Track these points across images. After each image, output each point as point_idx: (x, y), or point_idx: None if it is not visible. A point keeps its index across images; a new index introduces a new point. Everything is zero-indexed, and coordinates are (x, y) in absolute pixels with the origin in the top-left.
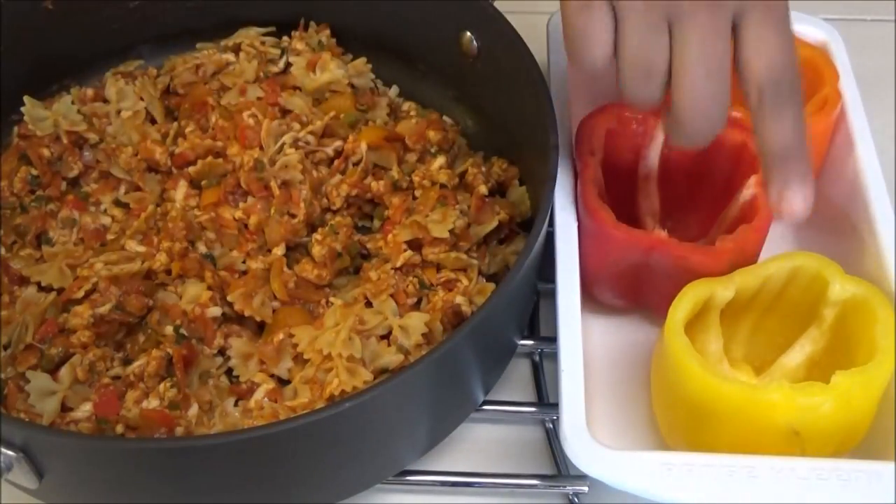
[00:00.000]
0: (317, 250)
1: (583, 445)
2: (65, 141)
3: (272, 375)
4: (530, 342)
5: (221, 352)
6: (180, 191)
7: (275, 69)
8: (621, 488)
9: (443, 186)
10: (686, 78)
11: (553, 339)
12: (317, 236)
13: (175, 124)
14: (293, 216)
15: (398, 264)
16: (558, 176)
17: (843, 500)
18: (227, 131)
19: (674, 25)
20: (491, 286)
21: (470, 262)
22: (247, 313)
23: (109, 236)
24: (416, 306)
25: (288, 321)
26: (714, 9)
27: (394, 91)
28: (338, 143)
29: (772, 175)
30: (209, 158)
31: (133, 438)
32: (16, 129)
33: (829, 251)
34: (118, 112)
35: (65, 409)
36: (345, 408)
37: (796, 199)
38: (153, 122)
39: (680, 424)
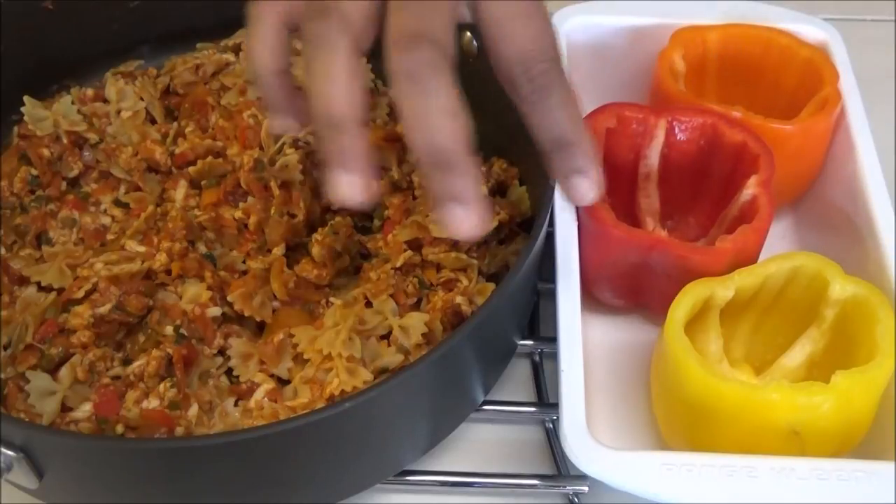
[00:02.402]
0: (317, 250)
1: (583, 445)
2: (65, 141)
3: (272, 375)
4: (530, 342)
5: (221, 352)
6: (180, 191)
7: None
8: (621, 488)
9: None
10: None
11: (553, 339)
12: (317, 236)
13: (175, 124)
14: (293, 216)
15: (398, 264)
16: None
17: (843, 500)
18: (227, 131)
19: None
20: (491, 286)
21: (470, 262)
22: (247, 313)
23: (109, 236)
24: (416, 306)
25: (288, 321)
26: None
27: None
28: None
29: (556, 165)
30: (209, 158)
31: (133, 438)
32: (16, 129)
33: (829, 251)
34: (118, 112)
35: (65, 409)
36: (345, 408)
37: (583, 187)
38: (153, 122)
39: (680, 424)
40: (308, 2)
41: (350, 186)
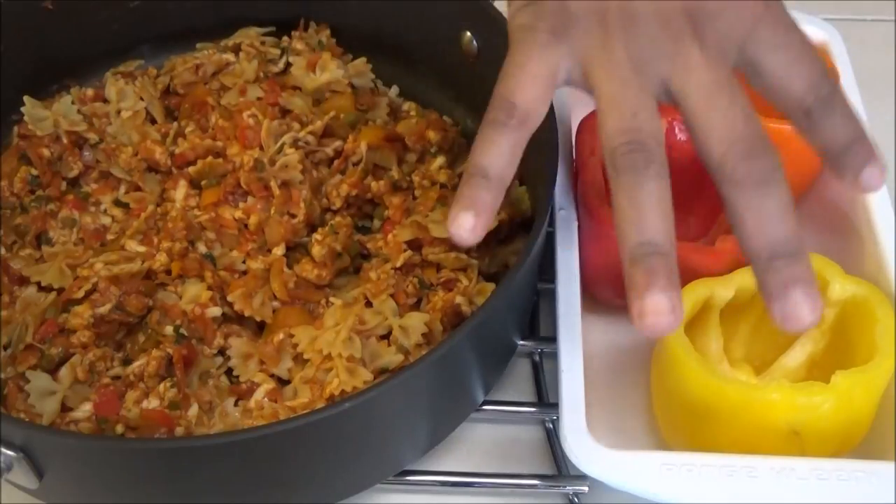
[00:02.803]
0: (317, 250)
1: (583, 445)
2: (65, 141)
3: (272, 375)
4: (530, 342)
5: (221, 352)
6: (180, 191)
7: (275, 69)
8: (621, 488)
9: (443, 186)
10: (717, 148)
11: (553, 339)
12: (317, 236)
13: (175, 124)
14: (293, 216)
15: (398, 264)
16: (558, 176)
17: (843, 500)
18: (227, 131)
19: (674, 90)
20: (491, 286)
21: (470, 262)
22: (247, 313)
23: (109, 236)
24: (416, 306)
25: (288, 321)
26: (713, 61)
27: (394, 91)
28: (338, 143)
29: (845, 165)
30: (209, 158)
31: (133, 438)
32: (16, 129)
33: (829, 251)
34: (118, 112)
35: (65, 409)
36: (345, 408)
37: (875, 175)
38: (153, 122)
39: (680, 424)
40: (620, 135)
41: (666, 307)
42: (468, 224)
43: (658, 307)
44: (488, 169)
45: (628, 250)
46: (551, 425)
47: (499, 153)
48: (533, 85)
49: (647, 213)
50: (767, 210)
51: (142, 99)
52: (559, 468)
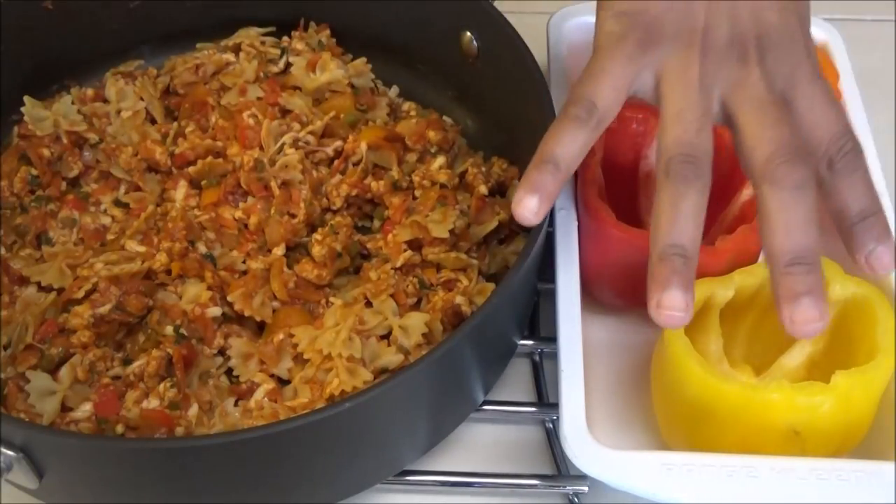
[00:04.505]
0: (317, 250)
1: (583, 445)
2: (65, 141)
3: (272, 375)
4: (530, 342)
5: (221, 352)
6: (180, 191)
7: (275, 69)
8: (621, 488)
9: (443, 186)
10: (766, 149)
11: (553, 339)
12: (317, 236)
13: (175, 124)
14: (293, 216)
15: (398, 264)
16: None
17: (843, 500)
18: (227, 131)
19: (730, 105)
20: (491, 286)
21: (470, 262)
22: (247, 313)
23: (109, 236)
24: (416, 306)
25: (288, 321)
26: (768, 83)
27: (394, 91)
28: (338, 143)
29: (857, 238)
30: (209, 158)
31: (133, 438)
32: (16, 129)
33: (829, 251)
34: (118, 112)
35: (65, 409)
36: (345, 408)
37: (886, 255)
38: (153, 122)
39: (680, 424)
40: (681, 146)
41: (681, 304)
42: (533, 207)
43: (674, 303)
44: (559, 159)
45: (660, 248)
46: (551, 425)
47: (572, 147)
48: (614, 90)
49: (684, 219)
50: (797, 215)
51: (142, 99)
52: (559, 468)
